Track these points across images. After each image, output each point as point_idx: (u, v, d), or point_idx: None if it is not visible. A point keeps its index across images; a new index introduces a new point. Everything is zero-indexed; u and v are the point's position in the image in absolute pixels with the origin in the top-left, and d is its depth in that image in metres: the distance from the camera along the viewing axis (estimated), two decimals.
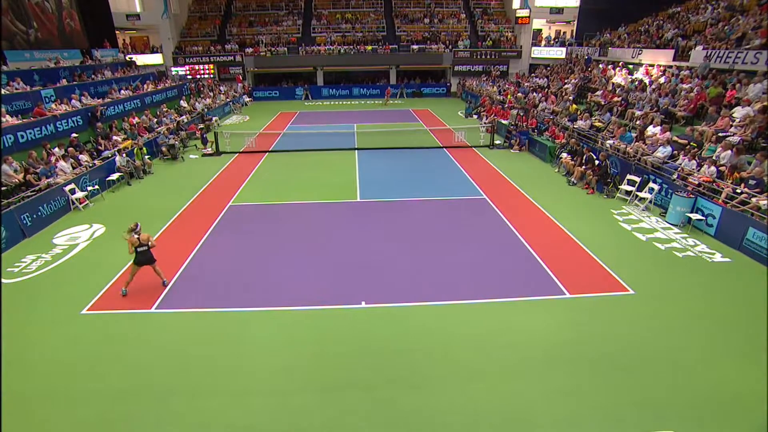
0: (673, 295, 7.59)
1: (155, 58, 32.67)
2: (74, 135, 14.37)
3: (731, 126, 12.01)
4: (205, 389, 5.63)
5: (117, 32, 29.37)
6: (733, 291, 7.75)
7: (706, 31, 18.11)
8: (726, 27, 17.08)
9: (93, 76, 20.45)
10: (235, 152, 17.62)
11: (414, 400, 5.43)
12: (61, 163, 12.33)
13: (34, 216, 10.37)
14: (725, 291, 7.75)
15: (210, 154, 17.50)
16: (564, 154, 14.65)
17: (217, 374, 5.89)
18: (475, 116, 24.63)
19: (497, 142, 18.62)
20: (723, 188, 9.93)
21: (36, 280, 8.29)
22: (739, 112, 12.23)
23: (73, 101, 16.58)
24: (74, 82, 18.54)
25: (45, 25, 20.45)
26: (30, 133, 13.39)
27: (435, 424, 5.08)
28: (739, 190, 9.61)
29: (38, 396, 5.55)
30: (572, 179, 13.55)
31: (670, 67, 18.43)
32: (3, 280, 8.16)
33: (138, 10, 31.84)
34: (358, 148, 17.98)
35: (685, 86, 15.78)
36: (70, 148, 13.40)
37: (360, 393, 5.56)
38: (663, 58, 19.43)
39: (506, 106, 22.56)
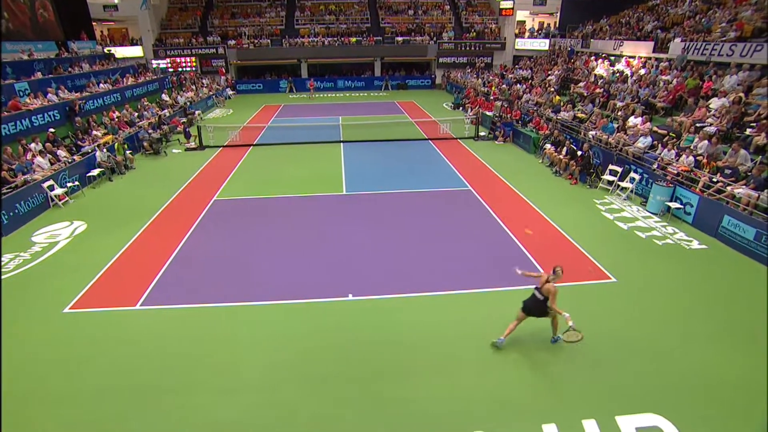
0: (653, 282, 7.81)
1: (135, 51, 31.85)
2: (51, 130, 14.00)
3: (708, 117, 12.31)
4: (192, 386, 5.61)
5: (94, 24, 28.52)
6: (709, 277, 8.01)
7: (685, 23, 18.44)
8: (703, 19, 17.42)
9: (70, 69, 19.86)
10: (219, 146, 17.39)
11: (401, 390, 5.50)
12: (38, 159, 12.01)
13: (11, 214, 10.10)
14: (702, 277, 8.01)
15: (193, 149, 17.23)
16: (548, 145, 14.83)
17: (204, 370, 5.86)
18: (460, 108, 24.76)
19: (482, 133, 18.73)
20: (700, 177, 10.20)
21: (15, 279, 8.11)
22: (715, 103, 12.54)
23: (49, 95, 16.11)
24: (50, 75, 17.97)
25: (17, 15, 19.73)
26: (4, 129, 12.97)
27: (422, 414, 5.16)
28: (715, 179, 9.89)
29: (22, 396, 5.46)
30: (556, 169, 13.75)
31: (650, 58, 18.75)
32: None
33: (115, 0, 30.92)
34: (343, 141, 17.91)
35: (664, 77, 16.09)
36: (48, 144, 13.05)
37: (347, 385, 5.60)
38: (643, 49, 19.73)
39: (491, 97, 22.67)
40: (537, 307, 5.90)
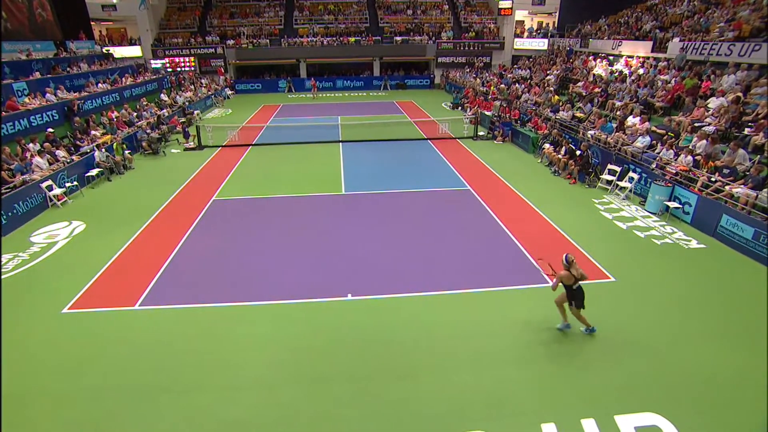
0: (652, 281, 7.82)
1: (133, 51, 31.79)
2: (50, 130, 13.97)
3: (706, 116, 12.33)
4: (192, 385, 5.62)
5: (92, 23, 28.47)
6: (708, 276, 8.02)
7: (683, 23, 18.47)
8: (701, 19, 17.45)
9: (68, 69, 19.81)
10: (218, 146, 17.38)
11: (401, 390, 5.50)
12: (37, 159, 11.99)
13: (9, 214, 10.08)
14: (701, 276, 8.02)
15: (192, 149, 17.22)
16: (546, 145, 14.84)
17: (205, 370, 5.87)
18: (458, 107, 24.78)
19: (481, 133, 18.74)
20: (699, 177, 10.22)
21: (14, 279, 8.09)
22: (713, 103, 12.56)
23: (48, 95, 16.08)
24: (48, 75, 17.93)
25: (15, 15, 19.66)
26: (2, 129, 12.95)
27: (422, 413, 5.16)
28: (713, 179, 9.91)
29: (21, 396, 5.45)
30: (555, 169, 13.76)
31: (649, 58, 18.78)
32: None
33: (114, 0, 30.85)
34: (342, 141, 17.91)
35: (662, 77, 16.10)
36: (46, 144, 13.02)
37: (348, 384, 5.61)
38: (642, 49, 19.76)
39: (489, 97, 22.68)
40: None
